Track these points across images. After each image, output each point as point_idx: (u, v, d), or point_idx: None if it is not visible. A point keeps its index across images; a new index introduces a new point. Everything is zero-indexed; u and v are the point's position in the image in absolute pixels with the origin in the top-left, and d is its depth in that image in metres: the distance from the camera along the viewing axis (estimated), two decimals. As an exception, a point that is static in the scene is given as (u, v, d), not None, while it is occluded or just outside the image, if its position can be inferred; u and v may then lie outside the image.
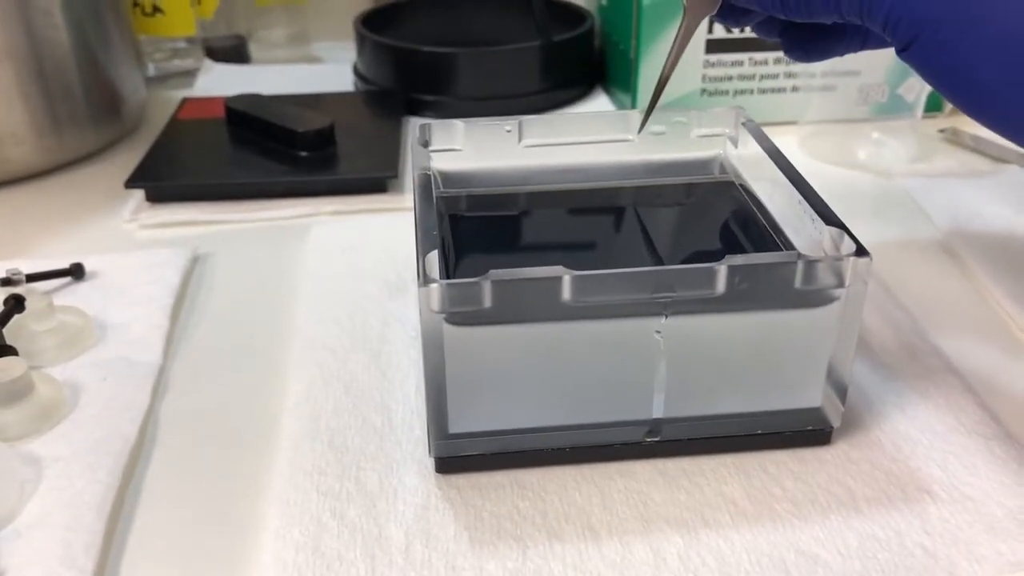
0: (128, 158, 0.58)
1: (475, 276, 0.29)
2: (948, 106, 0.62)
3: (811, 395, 0.33)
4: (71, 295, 0.43)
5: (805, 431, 0.34)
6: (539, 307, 0.30)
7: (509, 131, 0.40)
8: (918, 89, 0.59)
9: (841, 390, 0.33)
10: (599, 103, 0.64)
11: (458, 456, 0.33)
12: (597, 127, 0.41)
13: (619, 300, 0.30)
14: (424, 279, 0.29)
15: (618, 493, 0.32)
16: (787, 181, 0.35)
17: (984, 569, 0.29)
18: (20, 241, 0.49)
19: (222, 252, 0.47)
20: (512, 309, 0.30)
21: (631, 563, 0.29)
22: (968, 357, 0.39)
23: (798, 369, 0.32)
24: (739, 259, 0.30)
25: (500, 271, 0.30)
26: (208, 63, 0.71)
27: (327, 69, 0.71)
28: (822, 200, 0.34)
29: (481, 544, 0.30)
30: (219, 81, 0.68)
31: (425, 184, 0.36)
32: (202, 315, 0.43)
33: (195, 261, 0.46)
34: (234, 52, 0.73)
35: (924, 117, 0.59)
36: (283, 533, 0.30)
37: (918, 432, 0.34)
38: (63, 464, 0.33)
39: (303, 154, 0.54)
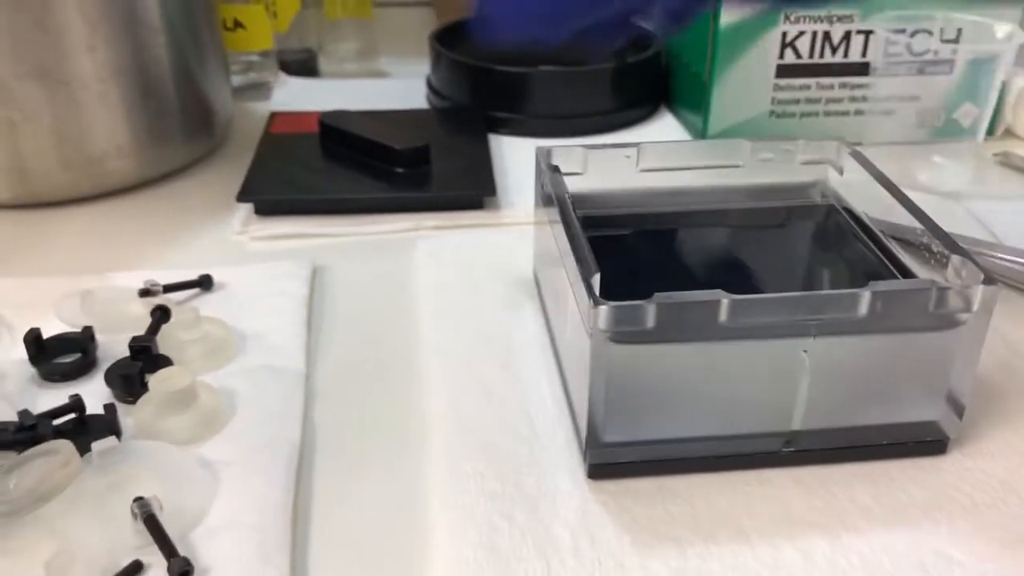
0: (220, 170, 0.60)
1: (632, 297, 0.32)
2: (1000, 129, 0.65)
3: (932, 409, 0.36)
4: (203, 305, 0.45)
5: (924, 441, 0.36)
6: (697, 327, 0.33)
7: (628, 157, 0.43)
8: (975, 114, 0.62)
9: (959, 405, 0.36)
10: (666, 122, 0.67)
11: (609, 463, 0.35)
12: (708, 153, 0.44)
13: (772, 322, 0.33)
14: (594, 301, 0.32)
15: (759, 499, 0.35)
16: (899, 206, 0.38)
17: (1107, 570, 0.32)
18: (135, 251, 0.51)
19: (336, 264, 0.50)
20: (672, 329, 0.33)
21: (783, 564, 0.32)
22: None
23: (923, 385, 0.35)
24: (881, 285, 0.33)
25: (663, 294, 0.32)
26: (283, 76, 0.73)
27: (397, 84, 0.74)
28: (939, 227, 0.37)
29: (643, 545, 0.33)
30: (295, 94, 0.71)
31: (567, 209, 0.38)
32: (331, 325, 0.45)
33: (314, 273, 0.49)
34: (303, 65, 0.75)
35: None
36: (458, 533, 0.33)
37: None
38: (236, 468, 0.36)
39: (400, 171, 0.56)
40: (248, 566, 0.32)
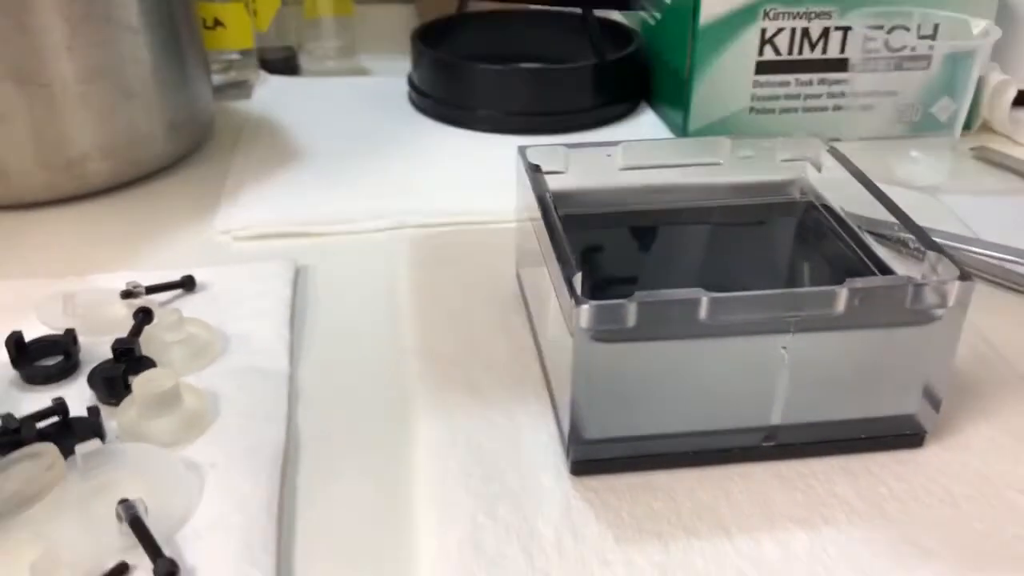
0: (202, 170, 0.60)
1: (615, 295, 0.32)
2: (977, 124, 0.66)
3: (909, 403, 0.36)
4: (186, 306, 0.45)
5: (902, 435, 0.37)
6: (677, 325, 0.33)
7: (609, 156, 0.43)
8: (952, 109, 0.63)
9: (935, 399, 0.36)
10: (647, 119, 0.67)
11: (592, 460, 0.36)
12: (689, 151, 0.44)
13: (751, 319, 0.33)
14: (576, 300, 0.32)
15: (740, 493, 0.35)
16: (876, 202, 0.39)
17: (1081, 559, 0.32)
18: (117, 253, 0.51)
19: (319, 263, 0.50)
20: (653, 327, 0.33)
21: (763, 557, 0.33)
22: (1032, 366, 0.43)
23: (900, 380, 0.36)
24: (858, 282, 0.33)
25: (644, 293, 0.33)
26: (264, 75, 0.73)
27: (379, 82, 0.74)
28: (915, 223, 0.37)
29: (626, 541, 0.33)
30: (276, 93, 0.71)
31: (548, 208, 0.38)
32: (315, 325, 0.45)
33: (298, 273, 0.49)
34: (285, 64, 0.75)
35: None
36: (443, 531, 0.33)
37: (1001, 436, 0.38)
38: (221, 469, 0.36)
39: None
40: (234, 566, 0.32)
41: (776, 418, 0.36)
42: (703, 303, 0.33)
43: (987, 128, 0.67)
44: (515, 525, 0.34)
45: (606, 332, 0.33)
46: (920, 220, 0.52)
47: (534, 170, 0.42)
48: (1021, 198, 0.57)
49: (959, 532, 0.34)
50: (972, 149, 0.64)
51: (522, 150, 0.43)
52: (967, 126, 0.66)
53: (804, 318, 0.33)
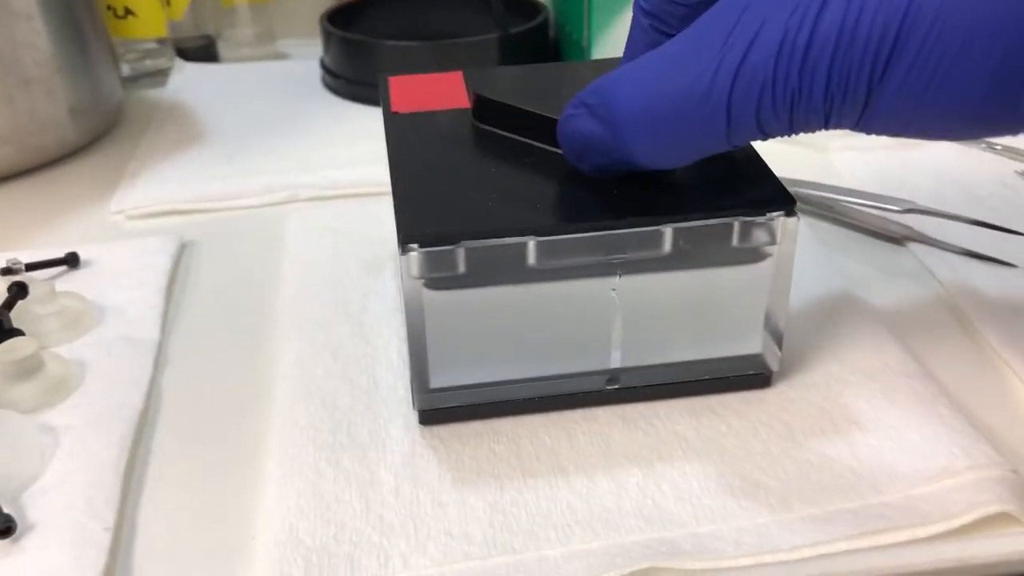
0: (107, 156, 0.61)
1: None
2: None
3: (752, 343, 0.37)
4: (68, 282, 0.46)
5: (747, 375, 0.38)
6: (507, 271, 0.34)
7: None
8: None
9: (778, 337, 0.37)
10: (555, 90, 0.68)
11: (438, 408, 0.36)
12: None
13: (578, 263, 0.34)
14: (402, 248, 0.33)
15: (583, 435, 0.36)
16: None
17: (903, 483, 0.33)
18: (12, 235, 0.52)
19: (208, 239, 0.51)
20: (483, 273, 0.34)
21: (595, 493, 0.33)
22: (895, 309, 0.43)
23: (739, 319, 0.36)
24: (681, 223, 0.34)
25: (471, 241, 0.33)
26: (179, 63, 0.73)
27: (295, 66, 0.74)
28: (757, 154, 0.38)
29: (463, 483, 0.34)
30: (191, 80, 0.71)
31: (390, 147, 0.39)
32: (193, 296, 0.46)
33: (183, 248, 0.49)
34: (203, 52, 0.76)
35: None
36: (284, 482, 0.34)
37: (848, 373, 0.38)
38: (77, 432, 0.37)
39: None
40: (74, 521, 0.32)
41: (616, 361, 0.36)
42: (530, 247, 0.33)
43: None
44: (356, 473, 0.34)
45: (438, 280, 0.34)
46: (800, 174, 0.53)
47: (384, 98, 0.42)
48: (912, 152, 0.57)
49: (792, 466, 0.34)
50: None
51: (383, 78, 0.43)
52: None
53: (630, 260, 0.34)
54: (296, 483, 0.34)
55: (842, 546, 0.31)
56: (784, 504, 0.33)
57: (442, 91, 0.43)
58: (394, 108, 0.41)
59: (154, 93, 0.70)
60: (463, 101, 0.42)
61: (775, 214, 0.34)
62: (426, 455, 0.35)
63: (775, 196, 0.35)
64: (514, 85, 0.40)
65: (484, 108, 0.40)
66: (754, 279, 0.36)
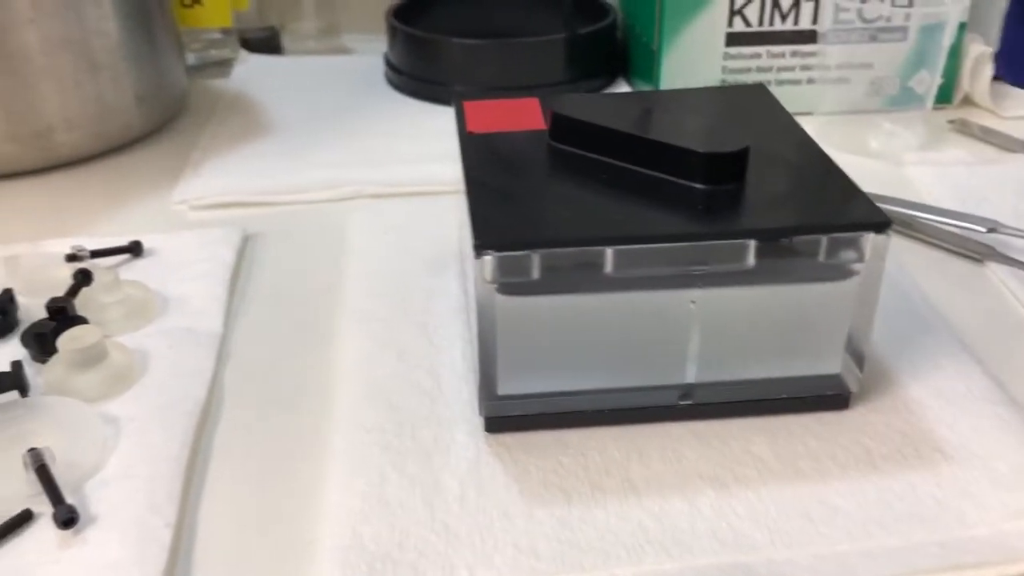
0: (170, 145, 0.61)
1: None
2: (958, 97, 0.65)
3: (832, 362, 0.36)
4: (131, 271, 0.46)
5: (826, 396, 0.36)
6: (583, 279, 0.33)
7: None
8: (928, 81, 0.61)
9: (859, 358, 0.35)
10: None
11: (505, 416, 0.35)
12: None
13: (657, 273, 0.33)
14: (477, 252, 0.32)
15: (654, 451, 0.35)
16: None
17: (990, 516, 0.31)
18: (75, 221, 0.52)
19: (271, 231, 0.50)
20: (558, 281, 0.33)
21: (668, 512, 0.32)
22: (975, 331, 0.41)
23: (819, 338, 0.35)
24: (768, 237, 0.33)
25: (547, 249, 0.32)
26: (243, 54, 0.73)
27: (359, 61, 0.74)
28: (841, 170, 0.36)
29: (530, 495, 0.33)
30: (254, 72, 0.71)
31: (464, 153, 0.38)
32: (255, 289, 0.45)
33: (246, 240, 0.49)
34: (267, 43, 0.76)
35: (934, 108, 0.61)
36: (348, 484, 0.33)
37: (930, 398, 0.37)
38: (139, 423, 0.36)
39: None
40: (135, 515, 0.32)
41: (691, 376, 0.35)
42: (608, 255, 0.32)
43: (969, 101, 0.66)
44: (421, 478, 0.34)
45: (513, 285, 0.33)
46: (875, 188, 0.52)
47: (462, 125, 0.41)
48: (992, 168, 0.55)
49: (873, 492, 0.33)
50: (950, 122, 0.63)
51: (458, 98, 0.43)
52: (948, 99, 0.64)
53: (712, 272, 0.33)
54: (360, 486, 0.33)
55: (926, 580, 0.30)
56: (865, 532, 0.31)
57: (517, 114, 0.42)
58: (470, 128, 0.41)
59: (218, 83, 0.70)
60: (538, 123, 0.41)
61: (865, 231, 0.33)
62: (492, 463, 0.34)
63: (866, 213, 0.34)
64: (590, 108, 0.39)
65: (561, 126, 0.39)
66: (838, 297, 0.34)
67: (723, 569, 0.30)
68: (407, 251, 0.48)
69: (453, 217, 0.48)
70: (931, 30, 0.60)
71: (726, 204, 0.34)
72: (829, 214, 0.34)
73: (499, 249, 0.32)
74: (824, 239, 0.33)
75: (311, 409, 0.38)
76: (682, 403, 0.36)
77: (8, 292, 0.42)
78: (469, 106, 0.43)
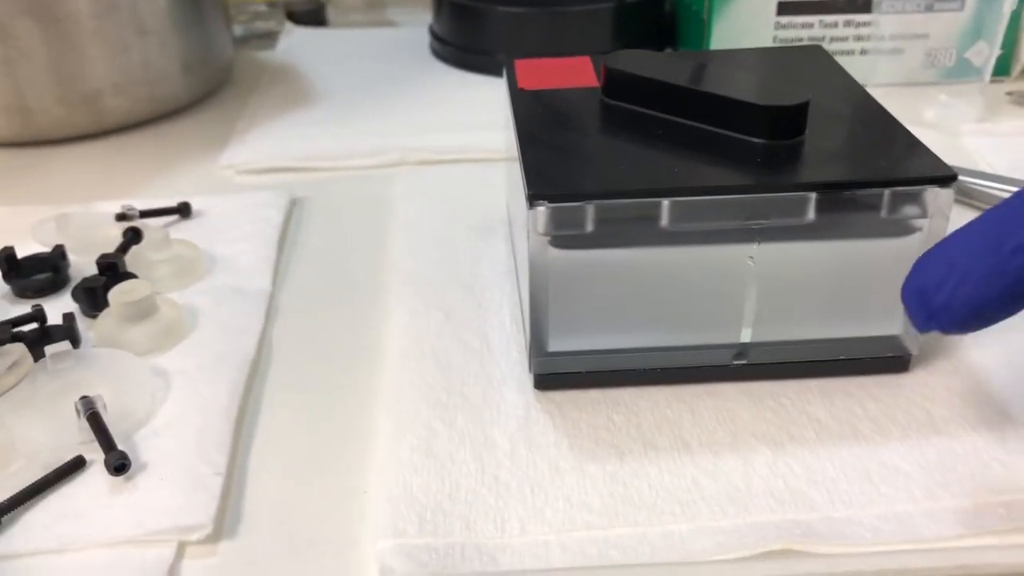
0: (216, 112, 0.61)
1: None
2: (1016, 69, 0.63)
3: (892, 323, 0.35)
4: (180, 231, 0.46)
5: (885, 358, 0.35)
6: (638, 232, 0.32)
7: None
8: (986, 53, 0.60)
9: (921, 319, 0.34)
10: (669, 65, 0.66)
11: (555, 373, 0.35)
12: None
13: (715, 227, 0.32)
14: (531, 201, 0.32)
15: (707, 410, 0.34)
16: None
17: (1059, 480, 0.30)
18: (124, 184, 0.52)
19: (317, 195, 0.50)
20: (613, 234, 0.32)
21: (722, 469, 0.31)
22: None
23: (880, 298, 0.34)
24: (830, 189, 0.32)
25: (602, 200, 0.32)
26: (289, 26, 0.73)
27: (404, 32, 0.74)
28: (901, 125, 0.35)
29: (581, 450, 0.32)
30: (300, 44, 0.71)
31: (516, 111, 0.38)
32: (303, 252, 0.45)
33: (293, 203, 0.49)
34: (313, 16, 0.75)
35: (992, 80, 0.60)
36: (398, 437, 0.33)
37: (993, 361, 0.36)
38: (188, 376, 0.36)
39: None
40: (185, 462, 0.32)
41: (747, 336, 0.34)
42: (664, 207, 0.32)
43: (1026, 73, 0.64)
44: (470, 433, 0.33)
45: (566, 238, 0.32)
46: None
47: (512, 85, 0.41)
48: (1054, 140, 0.54)
49: (935, 454, 0.32)
50: (1008, 94, 0.61)
51: (509, 69, 0.42)
52: (1006, 71, 0.63)
53: (771, 226, 0.32)
54: (409, 439, 0.33)
55: (992, 540, 0.29)
56: (927, 493, 0.30)
57: (568, 72, 0.42)
58: (521, 85, 0.40)
59: (263, 55, 0.70)
60: (590, 80, 0.40)
61: (929, 185, 0.32)
62: (542, 420, 0.34)
63: (930, 167, 0.33)
64: (645, 63, 0.38)
65: (615, 81, 0.38)
66: (900, 254, 0.33)
67: (780, 527, 0.29)
68: (453, 217, 0.47)
69: (499, 184, 0.48)
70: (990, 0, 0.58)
71: (786, 158, 0.33)
72: (892, 168, 0.33)
73: (552, 200, 0.31)
74: (887, 192, 0.32)
75: (359, 366, 0.37)
76: (736, 363, 0.35)
77: (60, 248, 0.42)
78: (520, 64, 0.42)
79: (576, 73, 0.41)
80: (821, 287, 0.34)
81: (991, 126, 0.57)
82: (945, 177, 0.32)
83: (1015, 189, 0.46)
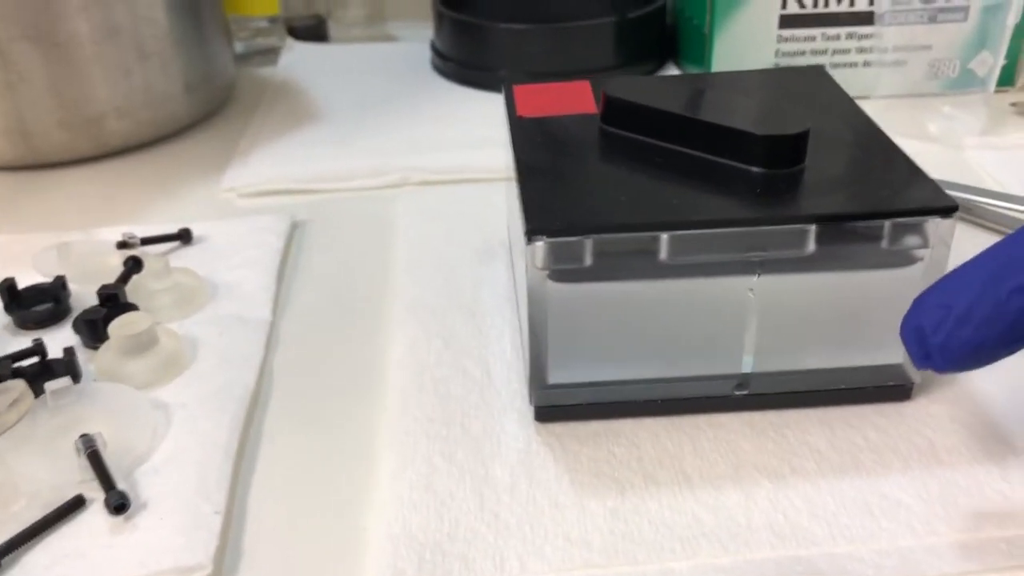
0: (218, 133, 0.61)
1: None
2: (1021, 79, 0.63)
3: (893, 352, 0.34)
4: (181, 258, 0.46)
5: (887, 386, 0.35)
6: (637, 266, 0.32)
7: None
8: (990, 63, 0.60)
9: (922, 347, 0.34)
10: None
11: (556, 405, 0.35)
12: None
13: (714, 259, 0.32)
14: (528, 237, 0.31)
15: (708, 442, 0.34)
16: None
17: (1063, 514, 0.30)
18: (124, 208, 0.52)
19: (319, 219, 0.50)
20: (611, 267, 0.32)
21: (723, 504, 0.31)
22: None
23: (882, 326, 0.34)
24: (829, 221, 0.32)
25: (600, 234, 0.31)
26: (290, 42, 0.73)
27: (405, 47, 0.73)
28: (906, 156, 0.35)
29: (581, 485, 0.32)
30: (301, 60, 0.71)
31: (514, 139, 0.38)
32: (304, 277, 0.45)
33: (294, 227, 0.49)
34: (314, 31, 0.75)
35: (996, 91, 0.59)
36: (398, 473, 0.33)
37: (996, 389, 0.36)
38: (189, 410, 0.36)
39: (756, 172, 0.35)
40: (185, 500, 0.32)
41: (748, 366, 0.34)
42: (663, 241, 0.31)
43: (1032, 83, 0.64)
44: (470, 468, 0.33)
45: (565, 272, 0.32)
46: (932, 172, 0.50)
47: (511, 110, 0.41)
48: (1059, 153, 0.54)
49: (936, 486, 0.32)
50: (1013, 105, 0.61)
51: (507, 83, 0.42)
52: (1009, 81, 0.62)
53: (771, 258, 0.32)
54: (409, 475, 0.33)
55: (994, 578, 0.29)
56: (929, 527, 0.30)
57: (567, 98, 0.41)
58: (519, 112, 0.40)
59: (265, 71, 0.70)
60: (589, 107, 0.40)
61: (930, 216, 0.32)
62: (542, 453, 0.34)
63: (931, 197, 0.32)
64: (643, 90, 0.38)
65: (614, 109, 0.38)
66: (902, 284, 0.33)
67: (781, 563, 0.29)
68: (455, 239, 0.47)
69: (501, 204, 0.48)
70: (993, 9, 0.58)
71: (785, 188, 0.33)
72: (893, 198, 0.32)
73: (551, 235, 0.31)
74: (888, 224, 0.32)
75: (360, 397, 0.37)
76: (737, 393, 0.35)
77: (61, 279, 0.42)
78: (519, 90, 0.42)
79: (575, 99, 0.41)
80: (822, 317, 0.34)
81: (995, 139, 0.57)
82: (946, 208, 0.32)
83: (1017, 207, 0.46)
